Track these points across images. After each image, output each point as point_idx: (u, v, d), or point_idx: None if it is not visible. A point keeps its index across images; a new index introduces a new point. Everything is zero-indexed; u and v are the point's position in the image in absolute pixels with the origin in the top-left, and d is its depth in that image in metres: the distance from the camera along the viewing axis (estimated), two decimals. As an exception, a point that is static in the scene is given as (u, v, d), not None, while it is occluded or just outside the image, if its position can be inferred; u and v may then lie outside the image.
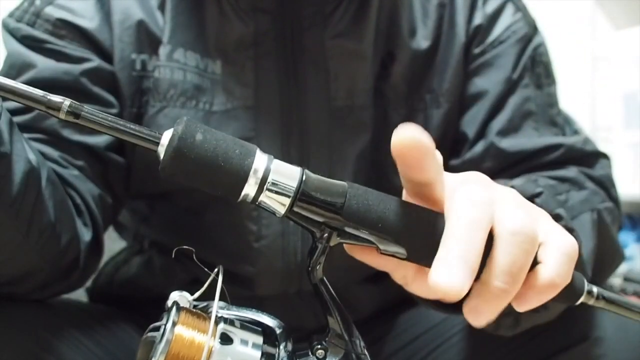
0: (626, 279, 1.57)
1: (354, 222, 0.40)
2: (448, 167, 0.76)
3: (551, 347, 0.65)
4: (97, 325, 0.69)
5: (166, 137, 0.38)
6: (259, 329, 0.43)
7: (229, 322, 0.42)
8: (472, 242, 0.38)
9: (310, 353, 0.42)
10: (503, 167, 0.72)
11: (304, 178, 0.39)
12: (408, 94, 0.75)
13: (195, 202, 0.74)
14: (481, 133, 0.74)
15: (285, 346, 0.42)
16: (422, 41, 0.75)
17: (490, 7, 0.76)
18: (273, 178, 0.38)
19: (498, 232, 0.39)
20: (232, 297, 0.77)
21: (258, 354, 0.41)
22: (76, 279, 0.66)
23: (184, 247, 0.80)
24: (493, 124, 0.73)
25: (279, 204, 0.39)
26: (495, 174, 0.72)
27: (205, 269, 0.45)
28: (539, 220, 0.42)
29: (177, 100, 0.71)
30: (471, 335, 0.70)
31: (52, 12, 0.69)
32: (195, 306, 0.43)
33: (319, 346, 0.42)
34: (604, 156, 0.73)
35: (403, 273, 0.45)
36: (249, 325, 0.43)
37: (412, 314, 0.80)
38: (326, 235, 0.40)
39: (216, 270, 0.44)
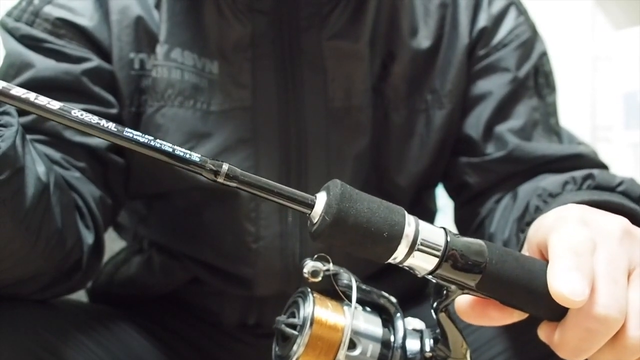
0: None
1: (487, 292, 0.42)
2: (457, 165, 0.76)
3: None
4: (98, 325, 0.69)
5: (320, 203, 0.40)
6: (377, 313, 0.46)
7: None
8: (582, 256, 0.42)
9: (420, 350, 0.45)
10: (523, 170, 0.72)
11: (448, 239, 0.41)
12: (409, 94, 0.75)
13: (193, 203, 0.74)
14: (487, 134, 0.74)
15: (397, 331, 0.45)
16: (424, 40, 0.75)
17: (495, 9, 0.76)
18: (419, 248, 0.41)
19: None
20: (231, 297, 0.77)
21: (377, 349, 0.44)
22: (77, 280, 0.66)
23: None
24: (505, 127, 0.74)
25: (424, 268, 0.41)
26: (512, 175, 0.72)
27: None
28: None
29: (175, 100, 0.71)
30: (475, 333, 0.70)
31: (51, 11, 0.69)
32: (327, 270, 0.46)
33: (429, 349, 0.45)
34: (608, 168, 0.74)
35: None
36: (368, 310, 0.46)
37: (417, 311, 0.80)
38: (460, 290, 0.43)
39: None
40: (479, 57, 0.76)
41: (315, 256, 0.46)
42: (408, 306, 0.82)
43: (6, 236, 0.53)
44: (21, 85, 0.69)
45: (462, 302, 0.46)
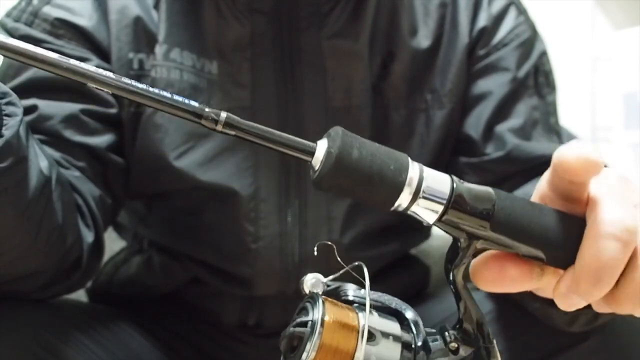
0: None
1: (500, 232, 0.40)
2: (457, 166, 0.76)
3: (552, 346, 0.65)
4: (98, 325, 0.69)
5: (321, 149, 0.38)
6: (393, 317, 0.43)
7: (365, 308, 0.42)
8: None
9: (443, 343, 0.42)
10: (521, 170, 0.72)
11: (454, 186, 0.39)
12: (409, 94, 0.75)
13: (193, 203, 0.74)
14: (488, 133, 0.74)
15: (419, 333, 0.42)
16: (423, 40, 0.75)
17: (495, 9, 0.76)
18: (425, 190, 0.39)
19: None
20: (231, 297, 0.77)
21: (398, 350, 0.41)
22: (77, 279, 0.66)
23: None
24: (504, 127, 0.74)
25: (430, 214, 0.39)
26: (511, 175, 0.72)
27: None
28: None
29: None
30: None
31: (50, 11, 0.69)
32: (328, 285, 0.43)
33: (452, 338, 0.42)
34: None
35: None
36: (384, 314, 0.43)
37: (418, 310, 0.80)
38: (471, 241, 0.40)
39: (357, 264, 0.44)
40: (479, 56, 0.76)
41: (318, 244, 0.45)
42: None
43: (8, 227, 0.53)
44: (21, 86, 0.70)
45: (477, 264, 0.42)
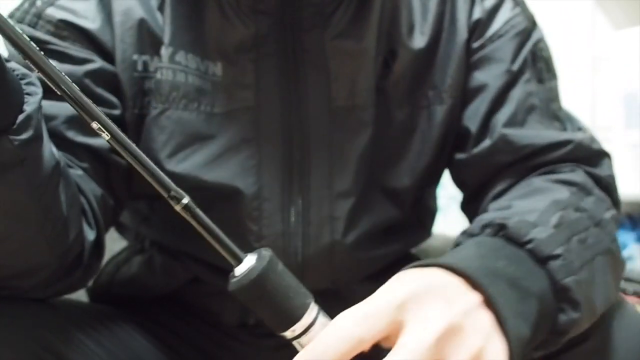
0: (626, 279, 1.56)
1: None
2: (454, 162, 0.76)
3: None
4: (98, 325, 0.69)
5: (248, 263, 0.49)
6: None
7: None
8: None
9: None
10: (512, 160, 0.72)
11: None
12: (411, 91, 0.75)
13: (196, 202, 0.74)
14: (485, 127, 0.74)
15: None
16: (423, 38, 0.75)
17: (489, 2, 0.76)
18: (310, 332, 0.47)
19: None
20: (231, 297, 0.77)
21: None
22: (78, 277, 0.66)
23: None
24: (497, 117, 0.73)
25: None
26: (504, 168, 0.72)
27: None
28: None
29: (180, 102, 0.71)
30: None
31: (54, 13, 0.69)
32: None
33: None
34: (608, 155, 0.73)
35: None
36: None
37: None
38: None
39: None
40: (474, 49, 0.76)
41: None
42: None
43: (20, 204, 0.53)
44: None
45: None
